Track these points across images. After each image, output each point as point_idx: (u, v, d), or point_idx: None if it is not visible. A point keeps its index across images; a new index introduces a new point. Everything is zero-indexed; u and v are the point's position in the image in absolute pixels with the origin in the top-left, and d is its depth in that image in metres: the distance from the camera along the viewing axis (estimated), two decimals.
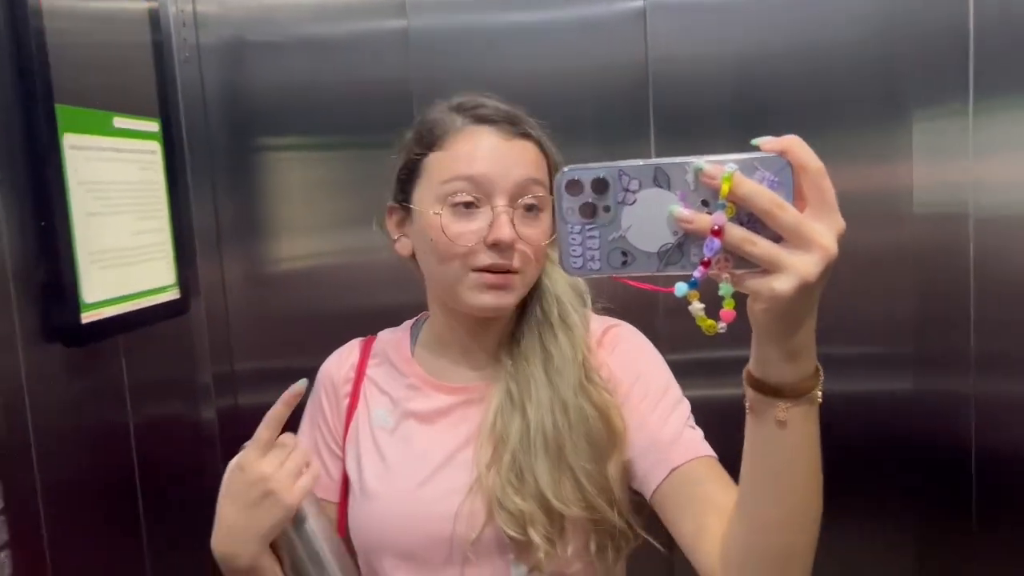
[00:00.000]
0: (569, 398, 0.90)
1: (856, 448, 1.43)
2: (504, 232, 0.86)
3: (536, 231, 0.90)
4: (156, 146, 1.38)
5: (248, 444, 0.90)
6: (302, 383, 0.92)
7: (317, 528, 0.93)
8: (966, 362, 1.33)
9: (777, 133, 0.56)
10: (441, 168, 0.90)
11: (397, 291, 1.56)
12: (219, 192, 1.60)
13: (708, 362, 1.40)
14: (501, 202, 0.88)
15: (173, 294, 1.40)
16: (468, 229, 0.88)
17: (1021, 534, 1.28)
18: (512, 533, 0.86)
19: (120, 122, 1.28)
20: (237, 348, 1.62)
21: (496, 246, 0.87)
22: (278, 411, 0.89)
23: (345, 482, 1.02)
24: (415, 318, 1.09)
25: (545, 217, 0.91)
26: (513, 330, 0.98)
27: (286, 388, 0.94)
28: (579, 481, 0.88)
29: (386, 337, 1.08)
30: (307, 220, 1.63)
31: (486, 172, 0.88)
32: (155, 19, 1.42)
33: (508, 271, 0.89)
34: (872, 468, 1.49)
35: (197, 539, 1.50)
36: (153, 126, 1.37)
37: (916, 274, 1.45)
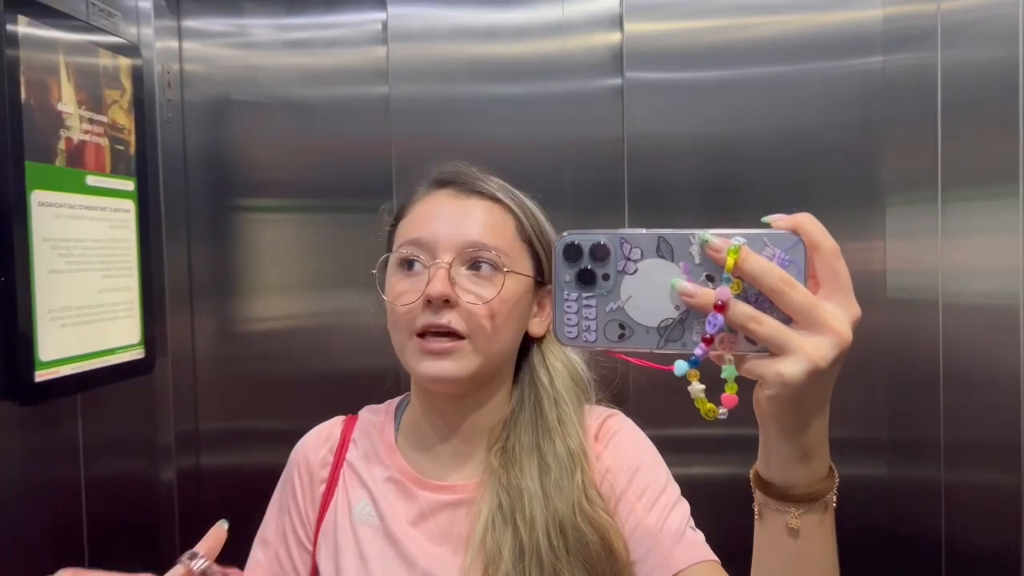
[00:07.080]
0: (567, 519, 0.82)
1: None
2: (435, 287, 0.81)
3: (484, 289, 0.83)
4: (130, 204, 1.38)
5: None
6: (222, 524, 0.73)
7: None
8: (935, 450, 1.31)
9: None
10: (399, 236, 0.90)
11: (368, 356, 1.55)
12: (194, 250, 1.60)
13: (709, 439, 1.38)
14: (445, 259, 0.83)
15: (137, 353, 1.38)
16: (407, 288, 0.84)
17: None
18: None
19: (93, 180, 1.28)
20: (203, 407, 1.59)
21: (430, 304, 0.82)
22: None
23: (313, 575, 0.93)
24: (400, 398, 1.00)
25: (507, 280, 0.84)
26: (507, 431, 0.89)
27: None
28: None
29: (369, 419, 0.99)
30: (281, 281, 1.63)
31: (431, 232, 0.85)
32: (138, 77, 1.43)
33: (450, 333, 0.83)
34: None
35: None
36: (128, 185, 1.37)
37: (889, 359, 1.44)
